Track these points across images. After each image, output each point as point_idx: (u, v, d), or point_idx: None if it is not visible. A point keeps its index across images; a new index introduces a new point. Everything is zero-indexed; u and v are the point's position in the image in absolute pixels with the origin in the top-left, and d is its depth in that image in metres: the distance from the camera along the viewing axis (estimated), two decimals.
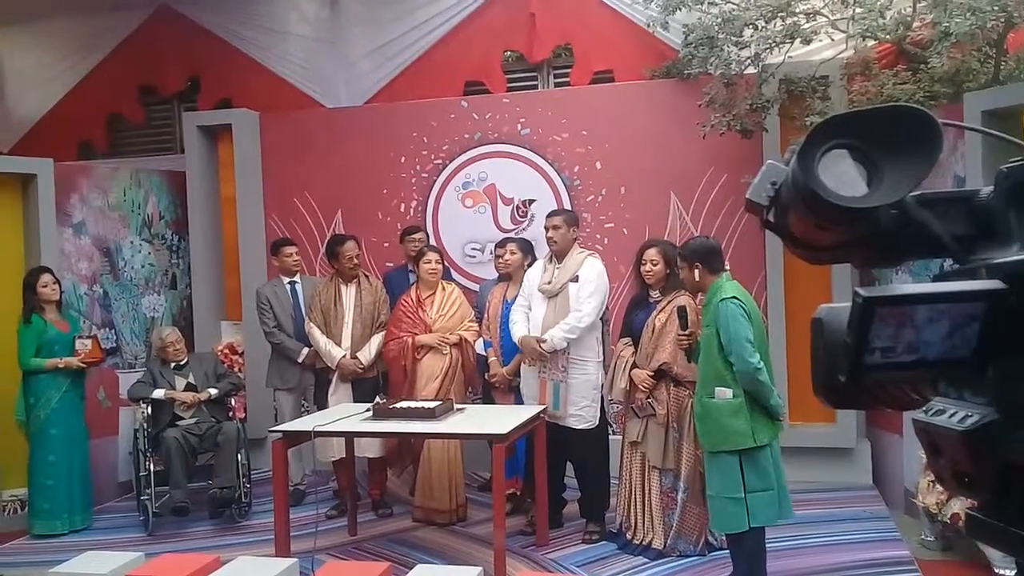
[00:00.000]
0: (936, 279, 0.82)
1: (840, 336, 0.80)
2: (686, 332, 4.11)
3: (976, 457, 0.75)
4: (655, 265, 4.59)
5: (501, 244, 5.54)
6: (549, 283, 4.89)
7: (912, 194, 0.83)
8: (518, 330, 4.95)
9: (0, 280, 5.58)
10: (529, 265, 5.28)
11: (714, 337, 3.77)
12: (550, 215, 5.01)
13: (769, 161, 0.90)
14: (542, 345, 4.76)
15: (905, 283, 5.09)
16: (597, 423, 4.85)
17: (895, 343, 0.73)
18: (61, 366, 5.29)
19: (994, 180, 0.84)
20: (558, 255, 4.92)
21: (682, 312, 4.12)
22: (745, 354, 3.66)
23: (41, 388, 5.29)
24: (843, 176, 0.81)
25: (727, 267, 3.99)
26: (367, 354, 5.44)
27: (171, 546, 4.99)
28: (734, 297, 3.74)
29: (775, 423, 3.82)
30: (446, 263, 6.14)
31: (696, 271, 3.92)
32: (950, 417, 0.77)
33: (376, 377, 5.54)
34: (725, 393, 3.76)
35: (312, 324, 5.50)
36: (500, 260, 5.49)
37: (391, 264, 6.38)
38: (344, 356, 5.41)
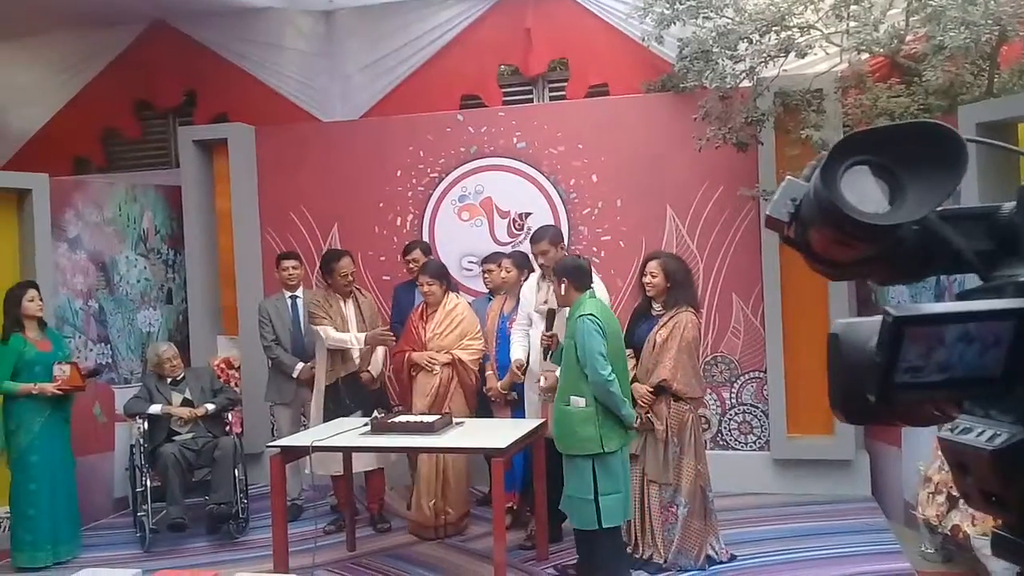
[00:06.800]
0: (960, 297, 0.82)
1: (860, 353, 0.79)
2: (548, 333, 4.37)
3: (1005, 476, 0.75)
4: (654, 277, 4.60)
5: (492, 259, 5.52)
6: (546, 302, 4.88)
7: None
8: (517, 353, 4.96)
9: None
10: (525, 278, 5.27)
11: (572, 349, 4.07)
12: (534, 240, 4.96)
13: (788, 176, 0.90)
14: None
15: (902, 297, 5.09)
16: None
17: (925, 362, 0.72)
18: (35, 391, 4.98)
19: (1016, 196, 0.84)
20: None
21: (550, 313, 4.39)
22: (597, 366, 3.97)
23: (22, 413, 5.00)
24: (865, 192, 0.81)
25: (592, 286, 4.24)
26: (376, 367, 5.50)
27: (168, 562, 4.95)
28: (591, 314, 4.04)
29: (626, 432, 4.16)
30: None
31: (563, 286, 4.20)
32: (978, 436, 0.76)
33: (380, 389, 5.55)
34: (579, 402, 4.07)
35: (323, 325, 5.33)
36: (488, 276, 5.49)
37: (387, 277, 6.38)
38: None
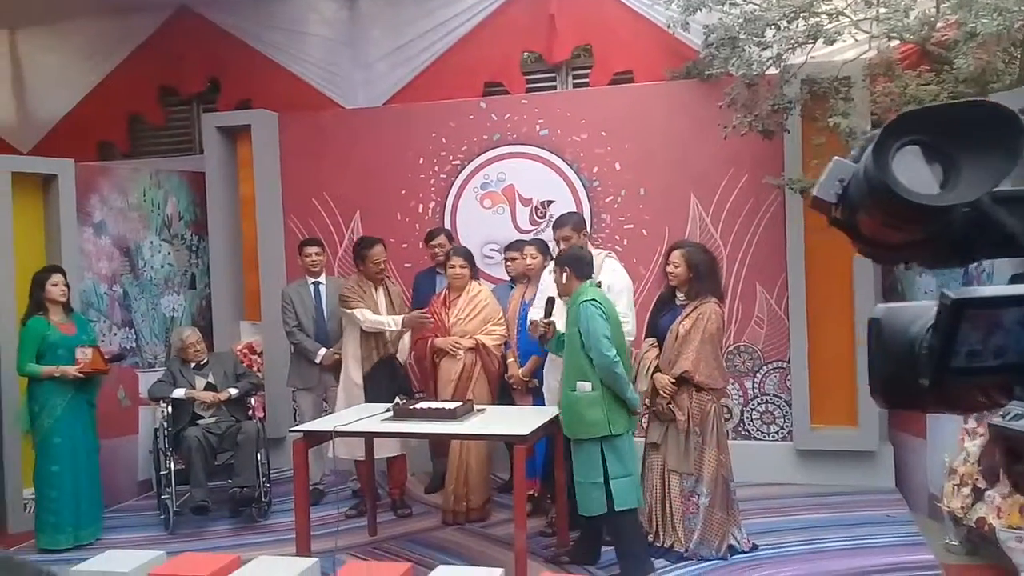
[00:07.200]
0: (1013, 280, 0.80)
1: (903, 337, 0.78)
2: (546, 320, 4.35)
3: None
4: (676, 267, 4.57)
5: (514, 247, 5.51)
6: None
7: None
8: (534, 316, 4.95)
9: (21, 280, 5.57)
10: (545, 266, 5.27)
11: (576, 336, 4.14)
12: (556, 226, 4.95)
13: (836, 158, 0.89)
14: None
15: (929, 287, 5.02)
16: None
17: (983, 346, 0.71)
18: (57, 375, 5.01)
19: None
20: None
21: (550, 301, 4.41)
22: (602, 348, 4.05)
23: (45, 395, 5.03)
24: (917, 173, 0.79)
25: (592, 276, 4.36)
26: (403, 353, 5.55)
27: (192, 545, 4.99)
28: (593, 299, 4.13)
29: (631, 416, 4.23)
30: None
31: (564, 274, 4.28)
32: None
33: (404, 375, 5.60)
34: (585, 387, 4.15)
35: (359, 308, 5.31)
36: (511, 264, 5.48)
37: (409, 265, 6.39)
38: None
